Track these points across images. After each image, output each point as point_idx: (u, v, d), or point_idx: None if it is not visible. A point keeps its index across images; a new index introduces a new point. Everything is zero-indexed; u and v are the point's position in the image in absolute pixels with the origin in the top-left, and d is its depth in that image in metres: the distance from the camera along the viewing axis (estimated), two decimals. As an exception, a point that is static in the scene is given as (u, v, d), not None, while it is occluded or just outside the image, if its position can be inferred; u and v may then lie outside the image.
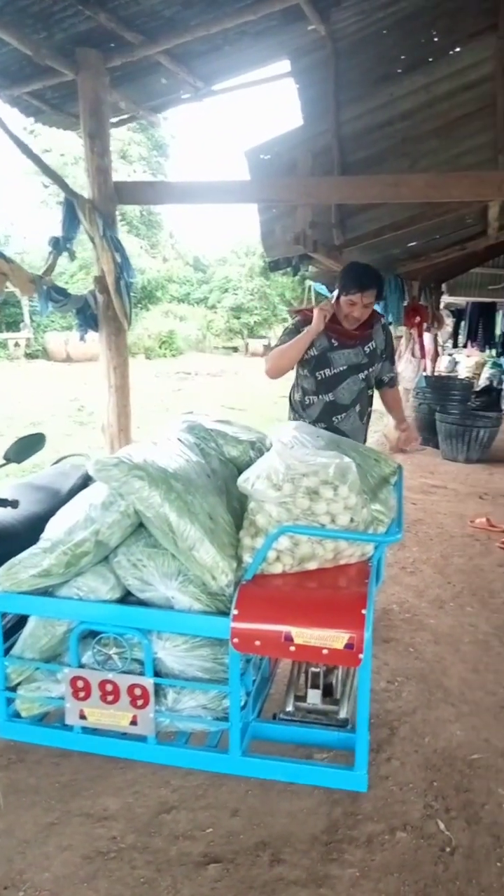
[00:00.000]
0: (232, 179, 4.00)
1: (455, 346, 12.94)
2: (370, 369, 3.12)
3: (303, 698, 2.07)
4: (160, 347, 19.89)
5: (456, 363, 13.12)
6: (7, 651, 1.95)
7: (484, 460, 7.22)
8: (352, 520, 1.82)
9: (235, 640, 1.70)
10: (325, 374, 3.10)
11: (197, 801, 2.11)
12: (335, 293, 2.96)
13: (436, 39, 3.79)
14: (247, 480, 1.85)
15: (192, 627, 1.78)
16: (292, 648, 1.68)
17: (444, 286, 11.38)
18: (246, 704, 1.87)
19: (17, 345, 16.67)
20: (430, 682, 2.84)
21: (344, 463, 1.83)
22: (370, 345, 3.10)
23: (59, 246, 4.00)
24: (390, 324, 6.63)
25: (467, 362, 12.48)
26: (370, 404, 3.25)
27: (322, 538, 1.80)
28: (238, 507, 2.02)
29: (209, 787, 2.17)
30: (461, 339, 12.39)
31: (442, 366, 13.24)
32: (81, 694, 1.82)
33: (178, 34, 3.85)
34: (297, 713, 2.03)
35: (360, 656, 1.63)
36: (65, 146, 20.29)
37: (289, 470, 1.79)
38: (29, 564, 1.83)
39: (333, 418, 3.13)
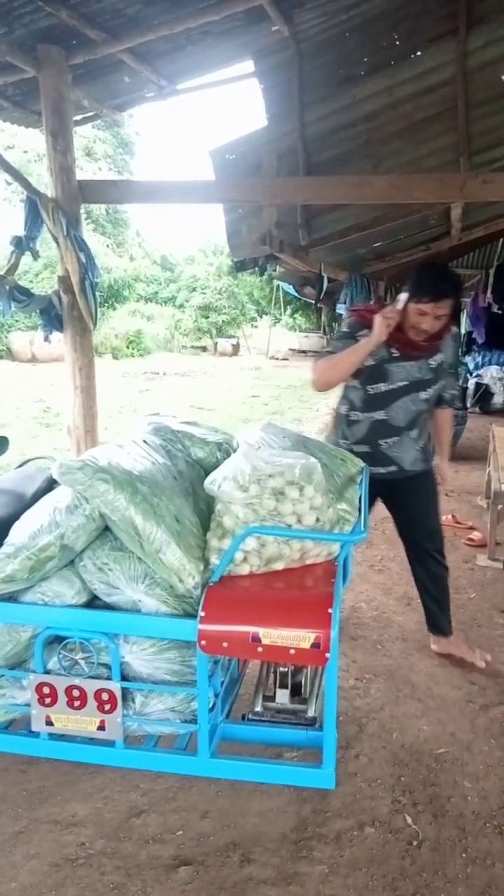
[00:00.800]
0: (197, 179, 4.00)
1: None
2: (434, 386, 2.67)
3: (271, 698, 2.08)
4: (127, 347, 19.72)
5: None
6: (-29, 658, 1.92)
7: (451, 458, 7.32)
8: (318, 519, 1.83)
9: (203, 642, 1.70)
10: (379, 388, 2.64)
11: (167, 804, 2.10)
12: (403, 296, 2.49)
13: (398, 43, 3.83)
14: (213, 482, 1.85)
15: (159, 630, 1.78)
16: (260, 649, 1.68)
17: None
18: (214, 706, 1.87)
19: (-20, 345, 16.35)
20: (397, 678, 2.88)
21: (310, 463, 1.84)
22: (437, 357, 2.63)
23: (22, 245, 3.95)
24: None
25: (433, 361, 12.61)
26: (426, 421, 2.79)
27: (289, 538, 1.81)
28: (205, 509, 2.02)
29: (179, 790, 2.16)
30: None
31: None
32: (48, 700, 1.80)
33: (140, 33, 3.84)
34: (266, 713, 2.04)
35: (327, 655, 1.64)
36: (28, 143, 20.01)
37: (255, 471, 1.80)
38: (-8, 570, 1.81)
39: (381, 442, 2.70)
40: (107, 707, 1.79)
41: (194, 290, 26.52)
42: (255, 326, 28.43)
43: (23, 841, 1.96)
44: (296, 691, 2.15)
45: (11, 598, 1.86)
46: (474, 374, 11.31)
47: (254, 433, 2.34)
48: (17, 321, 18.08)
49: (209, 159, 4.53)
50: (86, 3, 3.57)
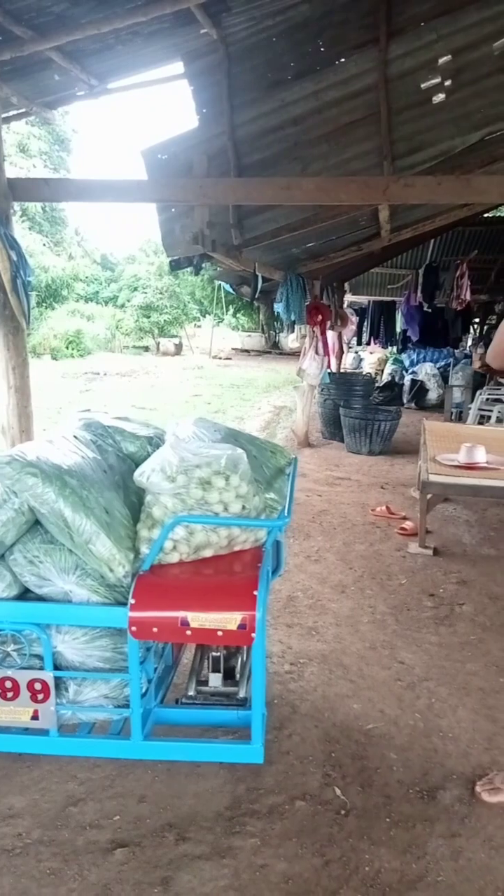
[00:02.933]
0: (129, 179, 4.02)
1: (359, 343, 13.41)
2: None
3: (205, 682, 2.15)
4: (67, 347, 19.40)
5: (361, 360, 13.60)
6: None
7: (386, 452, 7.57)
8: (244, 507, 1.91)
9: (133, 628, 1.75)
10: None
11: (104, 791, 2.15)
12: None
13: (322, 49, 3.95)
14: (142, 474, 1.90)
15: (91, 619, 1.82)
16: (188, 632, 1.75)
17: (346, 285, 11.80)
18: (147, 691, 1.93)
19: None
20: (330, 661, 3.00)
21: (236, 454, 1.92)
22: None
23: (-50, 243, 3.88)
24: (294, 322, 6.83)
25: (370, 359, 12.98)
26: None
27: (216, 526, 1.88)
28: (136, 502, 2.07)
29: (116, 778, 2.21)
30: (364, 336, 12.87)
31: (348, 362, 13.72)
32: (-20, 693, 1.82)
33: (67, 31, 3.83)
34: (199, 697, 2.11)
35: (253, 635, 1.72)
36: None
37: (182, 462, 1.87)
38: None
39: None
40: (40, 697, 1.83)
41: (135, 289, 26.31)
42: (199, 326, 28.43)
43: (-42, 836, 1.97)
44: (230, 675, 2.23)
45: None
46: (410, 372, 11.69)
47: (185, 427, 2.41)
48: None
49: (141, 159, 4.56)
50: (11, 0, 3.55)
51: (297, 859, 1.89)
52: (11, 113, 4.75)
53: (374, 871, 1.86)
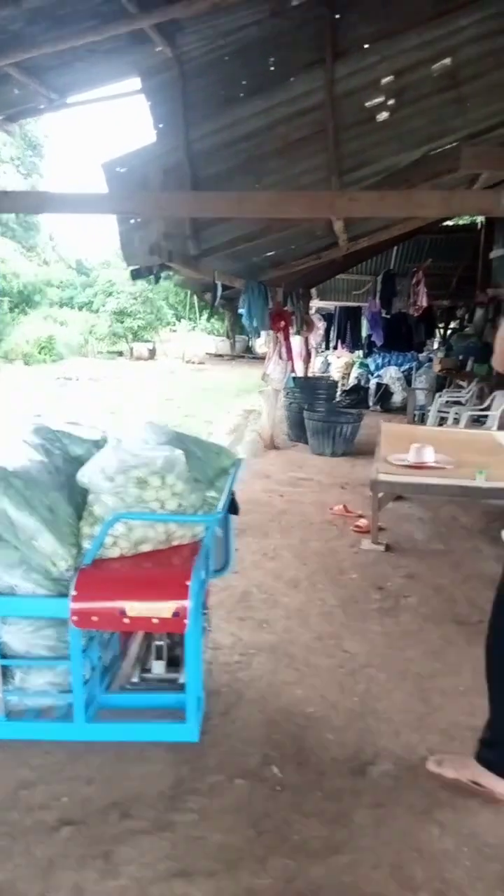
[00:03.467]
0: (88, 192, 4.16)
1: (327, 348, 13.66)
2: None
3: (149, 670, 2.29)
4: (39, 353, 19.38)
5: (329, 364, 13.83)
6: None
7: (348, 453, 7.77)
8: (180, 504, 2.06)
9: (75, 618, 1.89)
10: None
11: (54, 776, 2.27)
12: None
13: (272, 69, 4.13)
14: (83, 474, 2.04)
15: (35, 610, 1.95)
16: (126, 621, 1.89)
17: (314, 291, 12.04)
18: (91, 678, 2.07)
19: None
20: (278, 652, 3.15)
21: (173, 455, 2.07)
22: None
23: None
24: (256, 328, 6.99)
25: (338, 363, 13.21)
26: None
27: (153, 522, 2.03)
28: (82, 501, 2.20)
29: (67, 763, 2.33)
30: (332, 341, 13.12)
31: (316, 367, 13.94)
32: None
33: (24, 49, 3.95)
34: (143, 683, 2.25)
35: (186, 622, 1.87)
36: None
37: (121, 463, 2.01)
38: None
39: None
40: (-12, 684, 1.95)
41: (110, 294, 26.34)
42: (174, 331, 28.53)
43: None
44: (174, 663, 2.37)
45: None
46: (375, 375, 11.94)
47: (132, 431, 2.55)
48: None
49: (102, 172, 4.69)
50: (-33, 20, 3.67)
51: (232, 831, 2.04)
52: (-28, 126, 4.86)
53: (303, 839, 2.01)
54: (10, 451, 2.19)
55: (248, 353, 22.78)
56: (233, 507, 2.94)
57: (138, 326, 25.20)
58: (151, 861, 1.92)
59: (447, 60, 3.93)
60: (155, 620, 1.89)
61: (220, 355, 23.52)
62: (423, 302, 8.59)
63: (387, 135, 4.17)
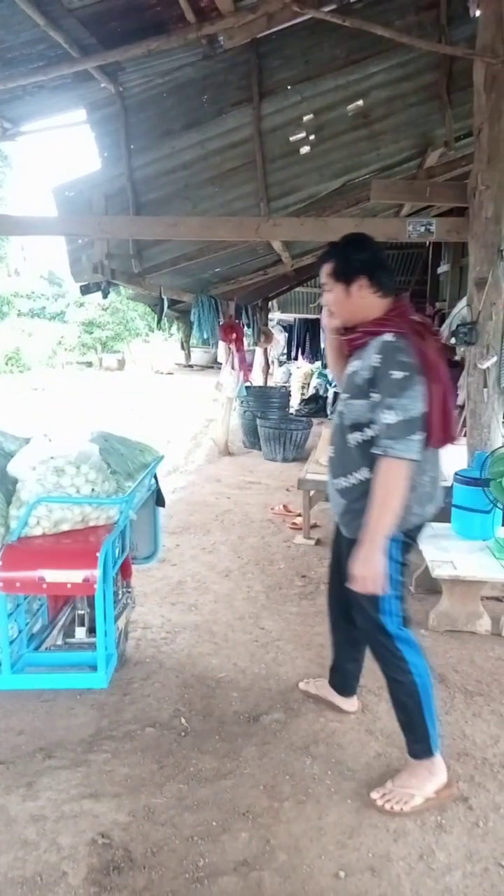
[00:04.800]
0: (36, 215, 4.54)
1: (288, 358, 14.14)
2: (347, 401, 2.06)
3: (72, 634, 2.66)
4: (6, 364, 19.56)
5: (290, 374, 14.30)
6: None
7: (299, 458, 8.18)
8: (93, 490, 2.44)
9: (0, 584, 2.25)
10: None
11: (-11, 728, 2.62)
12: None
13: (206, 105, 4.56)
14: (12, 464, 2.41)
15: (-32, 579, 2.31)
16: (44, 586, 2.26)
17: (274, 304, 12.51)
18: (18, 637, 2.42)
19: None
20: (201, 629, 3.52)
21: (87, 449, 2.45)
22: (357, 363, 2.05)
23: None
24: (206, 339, 7.38)
25: (298, 373, 13.68)
26: (358, 465, 2.06)
27: (70, 504, 2.40)
28: (12, 489, 2.57)
29: (1, 719, 2.67)
30: (293, 352, 13.61)
31: (278, 377, 14.39)
32: None
33: (-23, 86, 4.33)
34: (66, 645, 2.61)
35: (94, 586, 2.24)
36: None
37: (42, 454, 2.38)
38: None
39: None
40: None
41: (82, 304, 26.56)
42: (147, 341, 28.81)
43: None
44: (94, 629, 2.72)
45: None
46: (333, 385, 12.43)
47: (67, 432, 2.92)
48: None
49: (52, 196, 5.06)
50: None
51: (138, 766, 2.40)
52: None
53: (197, 770, 2.38)
54: (-50, 447, 2.55)
55: (216, 364, 23.20)
56: (159, 500, 3.32)
57: (107, 337, 25.48)
58: (66, 788, 2.28)
59: (360, 102, 4.40)
60: (69, 585, 2.25)
61: (190, 366, 23.91)
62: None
63: (309, 166, 4.62)
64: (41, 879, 1.90)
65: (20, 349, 20.70)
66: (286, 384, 14.19)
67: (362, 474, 2.06)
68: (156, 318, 6.46)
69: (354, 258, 2.10)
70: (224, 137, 4.60)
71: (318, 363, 13.70)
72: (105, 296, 5.13)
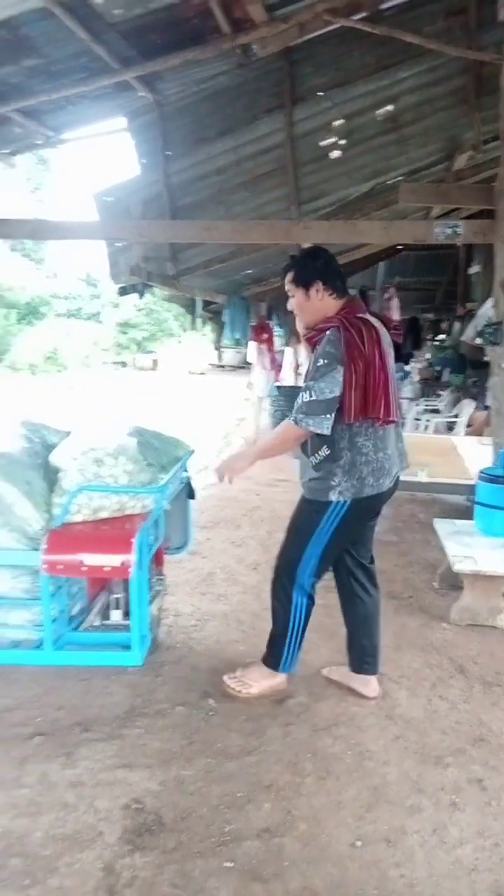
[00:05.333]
0: (77, 220, 4.74)
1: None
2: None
3: (108, 617, 2.82)
4: (45, 363, 20.03)
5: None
6: None
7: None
8: (129, 480, 2.60)
9: (44, 566, 2.42)
10: None
11: (31, 703, 2.79)
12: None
13: (239, 112, 4.71)
14: (54, 455, 2.58)
15: (14, 560, 2.48)
16: (84, 568, 2.43)
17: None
18: (59, 618, 2.60)
19: None
20: (230, 618, 3.66)
21: (124, 441, 2.61)
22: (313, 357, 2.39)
23: None
24: (238, 340, 7.54)
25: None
26: (320, 445, 2.41)
27: (108, 493, 2.56)
28: (55, 478, 2.75)
29: (42, 695, 2.84)
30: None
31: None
32: None
33: (24, 97, 4.56)
34: (103, 626, 2.77)
35: (129, 570, 2.40)
36: None
37: (83, 446, 2.55)
38: None
39: None
40: (-23, 619, 2.48)
41: (117, 305, 27.02)
42: (180, 342, 29.18)
43: None
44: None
45: None
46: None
47: (105, 427, 3.09)
48: None
49: (93, 201, 5.27)
50: (-27, 75, 4.26)
51: (169, 741, 2.55)
52: (-23, 159, 5.46)
53: (224, 746, 2.52)
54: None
55: (247, 364, 23.35)
56: (190, 493, 3.48)
57: (142, 337, 25.86)
58: (102, 758, 2.44)
59: (390, 107, 4.50)
60: (106, 568, 2.42)
61: (222, 366, 24.12)
62: (396, 317, 9.14)
63: (339, 170, 4.74)
64: (80, 836, 2.06)
65: (57, 349, 21.16)
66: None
67: (324, 452, 2.42)
68: (189, 319, 6.63)
69: (311, 266, 2.42)
70: (257, 143, 4.74)
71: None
72: (141, 297, 5.33)
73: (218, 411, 13.11)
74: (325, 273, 2.40)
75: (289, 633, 2.67)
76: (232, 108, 4.73)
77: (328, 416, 2.30)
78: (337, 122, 4.59)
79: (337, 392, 2.28)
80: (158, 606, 3.22)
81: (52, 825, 2.11)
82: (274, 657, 2.77)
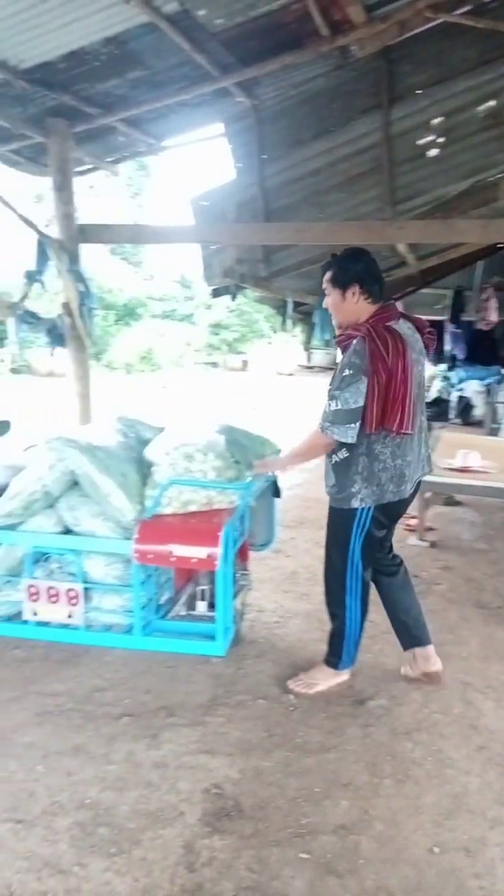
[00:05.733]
0: (173, 224, 4.91)
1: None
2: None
3: (193, 607, 2.92)
4: (140, 363, 20.74)
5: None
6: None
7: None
8: (217, 476, 2.68)
9: (136, 555, 2.54)
10: None
11: (121, 685, 2.93)
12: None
13: (335, 114, 4.72)
14: (148, 450, 2.71)
15: (109, 548, 2.62)
16: (173, 559, 2.53)
17: (399, 305, 12.35)
18: (148, 605, 2.72)
19: (1, 360, 17.50)
20: (312, 617, 3.68)
21: (213, 438, 2.70)
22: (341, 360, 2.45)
23: (32, 278, 4.87)
24: (328, 342, 7.53)
25: (421, 375, 13.38)
26: (339, 447, 2.46)
27: (197, 487, 2.65)
28: (147, 472, 2.87)
29: (131, 678, 2.99)
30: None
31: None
32: (34, 597, 2.65)
33: (128, 108, 4.77)
34: (188, 616, 2.87)
35: (216, 563, 2.48)
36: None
37: (175, 442, 2.66)
38: (-1, 510, 2.67)
39: None
40: (74, 602, 2.64)
41: (210, 307, 27.56)
42: (270, 343, 29.39)
43: (17, 702, 2.79)
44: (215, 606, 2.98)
45: (11, 528, 2.71)
46: (457, 388, 12.10)
47: (196, 424, 3.20)
48: (37, 338, 19.18)
49: (190, 205, 5.44)
50: (84, 89, 4.51)
51: (249, 731, 2.61)
52: (83, 168, 5.75)
53: (303, 741, 2.55)
54: (98, 433, 2.90)
55: (335, 365, 23.13)
56: (276, 491, 3.53)
57: (233, 338, 26.22)
58: (185, 742, 2.53)
59: (492, 102, 4.36)
60: (194, 560, 2.51)
61: (311, 367, 24.09)
62: (494, 317, 8.81)
63: (436, 169, 4.64)
64: (163, 814, 2.16)
65: (152, 349, 21.86)
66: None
67: (342, 454, 2.47)
68: (280, 320, 6.69)
69: (350, 268, 2.45)
70: (352, 144, 4.74)
71: (443, 366, 13.37)
72: (233, 298, 5.44)
73: (305, 412, 13.13)
74: (363, 276, 2.43)
75: (346, 633, 2.78)
76: (328, 109, 4.74)
77: (353, 425, 2.35)
78: (436, 120, 4.50)
79: (361, 402, 2.33)
80: (242, 601, 3.29)
81: (136, 801, 2.22)
82: (334, 656, 2.86)
